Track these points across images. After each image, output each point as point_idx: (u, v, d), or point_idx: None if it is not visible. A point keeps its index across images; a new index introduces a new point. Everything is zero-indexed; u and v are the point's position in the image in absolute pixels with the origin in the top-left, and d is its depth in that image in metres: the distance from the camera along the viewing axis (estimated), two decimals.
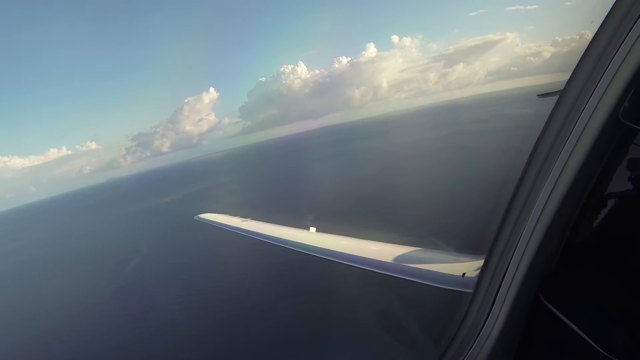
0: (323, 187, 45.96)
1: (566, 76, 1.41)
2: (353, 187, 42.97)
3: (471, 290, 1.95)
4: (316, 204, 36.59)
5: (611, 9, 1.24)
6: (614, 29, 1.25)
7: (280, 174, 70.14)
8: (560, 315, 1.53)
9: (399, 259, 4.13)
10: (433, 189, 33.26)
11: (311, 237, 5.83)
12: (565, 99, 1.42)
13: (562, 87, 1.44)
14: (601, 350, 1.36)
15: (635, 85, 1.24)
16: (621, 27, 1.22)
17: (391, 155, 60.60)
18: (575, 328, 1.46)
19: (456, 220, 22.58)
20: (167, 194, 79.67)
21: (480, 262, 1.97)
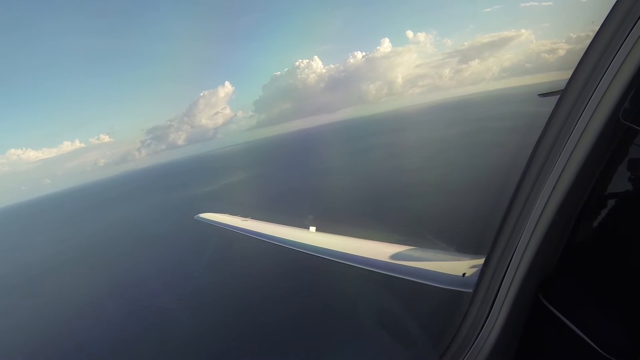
0: (335, 184, 45.55)
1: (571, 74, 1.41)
2: (360, 184, 42.78)
3: (471, 290, 1.95)
4: (333, 202, 35.95)
5: (611, 9, 1.24)
6: (614, 30, 1.24)
7: (300, 169, 68.94)
8: (560, 316, 1.53)
9: (399, 258, 4.14)
10: (434, 188, 33.27)
11: (311, 237, 5.83)
12: (566, 99, 1.42)
13: (563, 87, 1.44)
14: (601, 351, 1.36)
15: (635, 86, 1.24)
16: (622, 27, 1.22)
17: (397, 153, 60.28)
18: (575, 328, 1.46)
19: (456, 219, 22.58)
20: (191, 187, 76.42)
21: (480, 262, 1.98)
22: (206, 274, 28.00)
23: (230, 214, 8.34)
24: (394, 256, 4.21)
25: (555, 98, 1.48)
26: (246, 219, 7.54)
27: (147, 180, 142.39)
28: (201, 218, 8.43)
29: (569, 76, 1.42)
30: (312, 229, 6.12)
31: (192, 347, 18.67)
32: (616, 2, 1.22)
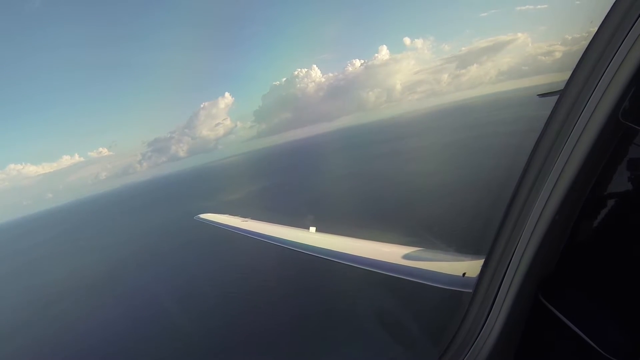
0: (339, 191, 45.12)
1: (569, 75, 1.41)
2: (364, 189, 42.62)
3: (471, 290, 1.95)
4: (338, 209, 35.08)
5: (611, 8, 1.24)
6: (613, 29, 1.24)
7: (304, 178, 67.87)
8: (560, 316, 1.53)
9: (398, 259, 4.13)
10: (435, 189, 33.31)
11: (311, 237, 5.82)
12: (565, 99, 1.42)
13: (562, 87, 1.44)
14: (601, 351, 1.36)
15: (635, 85, 1.24)
16: (621, 26, 1.22)
17: (397, 157, 60.11)
18: (575, 328, 1.46)
19: (457, 220, 22.59)
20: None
21: (480, 262, 1.98)
22: (207, 275, 28.01)
23: (230, 214, 8.34)
24: (393, 256, 4.20)
25: (554, 98, 1.48)
26: (246, 219, 7.54)
27: (151, 192, 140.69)
28: (201, 219, 8.41)
29: (566, 77, 1.42)
30: (312, 229, 6.11)
31: (194, 347, 18.67)
32: (615, 1, 1.22)
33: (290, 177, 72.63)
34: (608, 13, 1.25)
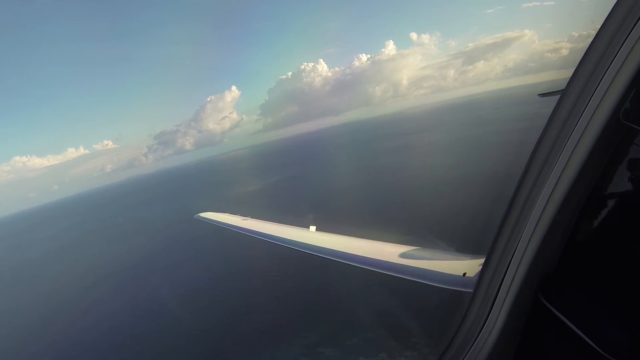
0: (344, 186, 44.66)
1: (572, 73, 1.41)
2: (364, 185, 42.34)
3: (471, 290, 1.95)
4: (348, 205, 34.29)
5: (612, 8, 1.23)
6: (615, 29, 1.24)
7: (311, 173, 66.71)
8: (560, 316, 1.53)
9: (399, 258, 4.13)
10: (435, 189, 33.26)
11: (311, 236, 5.83)
12: (567, 99, 1.42)
13: (563, 87, 1.44)
14: (601, 351, 1.36)
15: (636, 86, 1.24)
16: (623, 27, 1.21)
17: (400, 154, 59.79)
18: (575, 328, 1.46)
19: (457, 219, 22.57)
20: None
21: (480, 262, 1.98)
22: (208, 274, 28.07)
23: (230, 213, 8.34)
24: (393, 256, 4.21)
25: (556, 98, 1.47)
26: (246, 218, 7.54)
27: (156, 185, 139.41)
28: (201, 217, 8.41)
29: (570, 75, 1.41)
30: (312, 228, 6.11)
31: (192, 346, 18.72)
32: (617, 1, 1.22)
33: (295, 172, 72.00)
34: (609, 13, 1.24)
